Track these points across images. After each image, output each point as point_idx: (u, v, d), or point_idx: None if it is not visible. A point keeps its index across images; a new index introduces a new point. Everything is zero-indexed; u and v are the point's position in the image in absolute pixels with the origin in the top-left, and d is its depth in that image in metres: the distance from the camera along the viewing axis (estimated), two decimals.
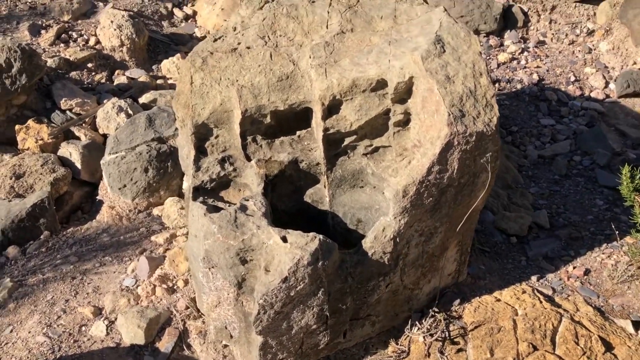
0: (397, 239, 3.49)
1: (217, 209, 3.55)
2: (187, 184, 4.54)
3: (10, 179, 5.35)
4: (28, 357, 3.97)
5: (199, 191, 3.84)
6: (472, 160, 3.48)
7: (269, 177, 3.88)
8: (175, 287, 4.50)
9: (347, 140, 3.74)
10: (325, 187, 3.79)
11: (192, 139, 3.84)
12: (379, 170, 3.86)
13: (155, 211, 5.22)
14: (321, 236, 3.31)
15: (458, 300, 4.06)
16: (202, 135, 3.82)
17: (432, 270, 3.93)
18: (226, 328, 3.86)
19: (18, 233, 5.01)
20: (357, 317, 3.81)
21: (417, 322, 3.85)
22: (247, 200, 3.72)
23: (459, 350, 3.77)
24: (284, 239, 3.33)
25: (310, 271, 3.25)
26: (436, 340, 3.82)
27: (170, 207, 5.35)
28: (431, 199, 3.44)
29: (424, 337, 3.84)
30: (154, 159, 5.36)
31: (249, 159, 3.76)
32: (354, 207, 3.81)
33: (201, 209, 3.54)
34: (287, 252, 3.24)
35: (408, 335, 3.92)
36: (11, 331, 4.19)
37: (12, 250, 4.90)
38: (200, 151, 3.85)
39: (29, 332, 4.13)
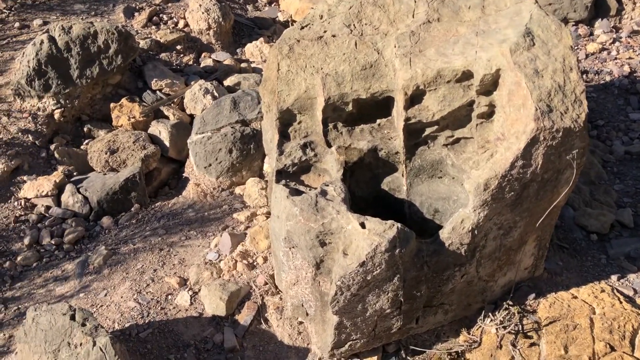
0: (476, 231, 3.48)
1: (298, 192, 3.66)
2: (269, 167, 4.67)
3: (105, 153, 5.71)
4: (120, 320, 4.27)
5: (281, 174, 3.91)
6: (557, 156, 3.43)
7: (348, 164, 3.91)
8: (255, 264, 4.65)
9: (427, 131, 3.78)
10: (403, 176, 3.83)
11: (277, 124, 3.96)
12: (459, 162, 3.84)
13: (238, 190, 5.43)
14: (399, 224, 3.36)
15: (533, 295, 4.02)
16: (286, 120, 3.96)
17: (508, 264, 3.90)
18: (302, 306, 3.96)
19: (112, 204, 5.34)
20: (431, 304, 3.84)
21: (490, 314, 3.86)
22: (327, 185, 3.76)
23: (532, 344, 3.76)
24: (363, 225, 3.38)
25: (387, 257, 3.31)
26: (509, 333, 3.82)
27: (251, 187, 5.51)
28: (512, 193, 3.41)
29: (496, 328, 3.84)
30: (237, 140, 5.53)
31: (329, 145, 3.84)
32: (432, 197, 3.82)
33: (284, 192, 3.66)
34: (365, 237, 3.30)
35: (480, 326, 3.94)
36: (105, 295, 4.51)
37: (106, 221, 5.24)
38: (284, 136, 3.97)
39: (121, 297, 4.43)
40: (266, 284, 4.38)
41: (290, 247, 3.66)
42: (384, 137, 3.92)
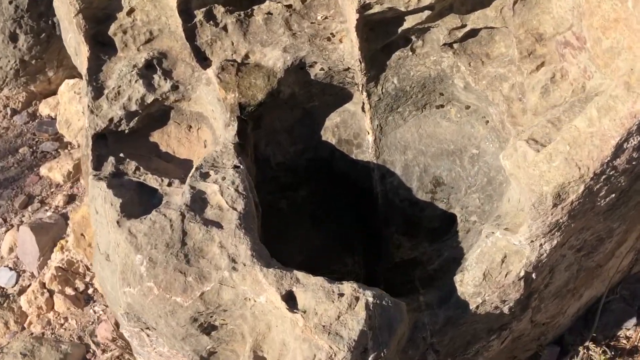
0: (534, 275, 2.51)
1: (143, 198, 2.79)
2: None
3: None
4: None
5: (104, 141, 3.03)
6: None
7: (248, 105, 2.93)
8: (89, 292, 3.84)
9: (410, 21, 2.87)
10: (364, 112, 3.05)
11: (80, 22, 3.06)
12: (478, 81, 2.88)
13: (44, 108, 4.70)
14: (370, 293, 2.43)
15: (634, 320, 3.35)
16: (98, 13, 3.10)
17: (587, 286, 2.95)
18: None
19: None
20: None
21: None
22: (205, 175, 2.77)
23: None
24: (289, 299, 2.43)
25: None
26: None
27: (69, 103, 4.58)
28: (612, 195, 2.48)
29: None
30: (24, 15, 4.43)
31: (203, 59, 3.03)
32: (426, 152, 3.11)
33: (110, 202, 2.71)
34: (299, 339, 2.37)
35: None
36: None
37: None
38: (102, 45, 3.14)
39: None
40: (115, 340, 3.56)
41: (143, 328, 2.70)
42: (317, 35, 3.05)
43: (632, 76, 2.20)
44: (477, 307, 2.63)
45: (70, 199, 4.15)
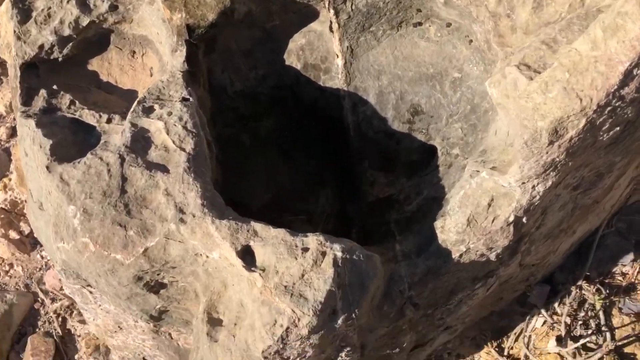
0: (525, 218, 2.18)
1: (78, 137, 2.47)
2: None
3: None
4: None
5: (35, 72, 2.70)
6: None
7: (199, 27, 2.59)
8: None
9: None
10: (333, 31, 2.73)
11: None
12: None
13: None
14: (338, 247, 2.14)
15: (631, 256, 3.09)
16: None
17: (581, 221, 2.72)
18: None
19: None
20: (423, 342, 2.86)
21: (542, 312, 3.07)
22: (149, 110, 2.44)
23: None
24: (246, 255, 2.15)
25: (317, 340, 2.05)
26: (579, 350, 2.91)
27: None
28: (617, 128, 2.19)
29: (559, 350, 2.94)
30: None
31: None
32: (403, 77, 2.81)
33: (39, 144, 2.40)
34: (257, 301, 2.08)
35: (527, 336, 3.06)
36: None
37: None
38: None
39: None
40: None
41: (84, 285, 2.51)
42: None
43: None
44: (461, 255, 2.36)
45: (14, 131, 3.79)
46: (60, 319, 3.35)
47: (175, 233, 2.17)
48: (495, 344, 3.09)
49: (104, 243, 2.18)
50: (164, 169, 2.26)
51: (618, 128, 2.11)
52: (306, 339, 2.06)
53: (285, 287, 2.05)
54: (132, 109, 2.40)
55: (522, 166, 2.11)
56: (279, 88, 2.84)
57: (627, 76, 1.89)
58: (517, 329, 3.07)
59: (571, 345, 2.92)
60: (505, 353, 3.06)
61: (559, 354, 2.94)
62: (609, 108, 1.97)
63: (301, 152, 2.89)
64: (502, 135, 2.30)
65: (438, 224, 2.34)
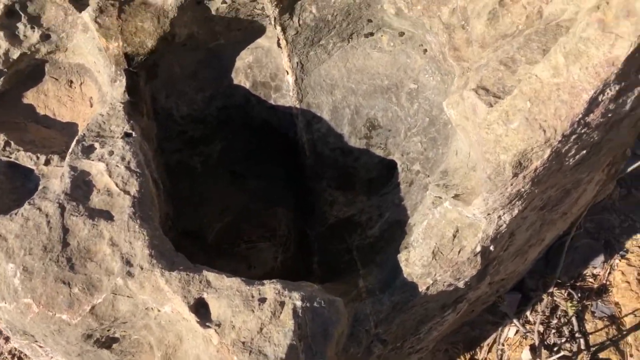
0: (492, 246, 2.02)
1: (15, 183, 2.31)
2: None
3: None
4: None
5: None
6: None
7: (138, 55, 2.40)
8: None
9: None
10: (281, 47, 2.57)
11: None
12: (413, 7, 2.36)
13: None
14: (297, 295, 2.00)
15: (601, 258, 3.03)
16: None
17: (551, 230, 2.52)
18: None
19: None
20: None
21: (514, 322, 2.94)
22: (89, 149, 2.26)
23: None
24: (200, 308, 1.97)
25: None
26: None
27: None
28: (583, 152, 1.97)
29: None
30: None
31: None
32: (357, 90, 2.65)
33: None
34: (213, 355, 1.74)
35: (499, 347, 2.94)
36: None
37: None
38: None
39: None
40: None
41: (31, 342, 2.24)
42: None
43: (607, 11, 1.69)
44: (428, 288, 2.20)
45: None
46: (15, 359, 3.17)
47: (123, 288, 2.00)
48: (468, 356, 2.98)
49: (47, 303, 2.01)
50: (108, 216, 2.08)
51: (584, 152, 1.97)
52: None
53: (244, 343, 1.90)
54: (70, 150, 2.21)
55: (486, 199, 1.96)
56: (228, 108, 2.67)
57: (592, 103, 1.75)
58: (490, 339, 2.96)
59: (545, 355, 2.81)
60: None
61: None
62: (574, 136, 1.83)
63: (255, 174, 2.73)
64: (463, 157, 2.16)
65: (402, 256, 2.19)
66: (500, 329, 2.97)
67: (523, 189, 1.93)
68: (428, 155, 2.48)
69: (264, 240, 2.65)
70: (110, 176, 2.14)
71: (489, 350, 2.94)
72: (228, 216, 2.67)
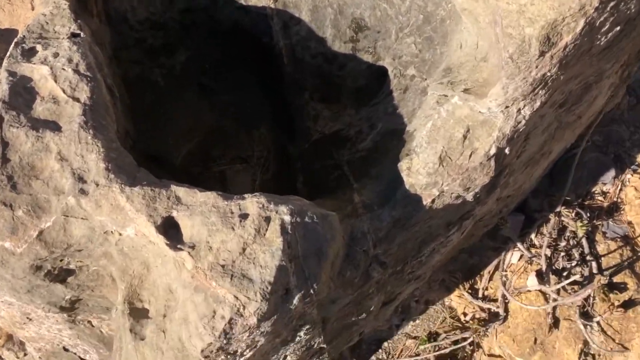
0: (508, 149, 1.77)
1: None
2: None
3: None
4: None
5: None
6: None
7: None
8: None
9: None
10: None
11: None
12: None
13: None
14: (285, 209, 1.73)
15: (612, 173, 2.79)
16: None
17: (560, 138, 2.30)
18: (67, 350, 2.54)
19: None
20: (391, 299, 2.50)
21: (518, 246, 2.72)
22: (30, 52, 1.97)
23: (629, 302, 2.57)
24: (169, 228, 1.70)
25: (270, 328, 1.59)
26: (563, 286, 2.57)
27: None
28: (617, 28, 1.75)
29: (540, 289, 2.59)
30: None
31: None
32: None
33: None
34: (189, 288, 1.68)
35: (503, 274, 2.70)
36: None
37: None
38: None
39: None
40: None
41: None
42: None
43: None
44: (433, 201, 1.94)
45: None
46: None
47: (75, 208, 1.72)
48: (467, 286, 2.74)
49: None
50: (55, 127, 1.80)
51: (618, 28, 1.69)
52: (255, 328, 1.64)
53: (223, 266, 1.62)
54: (8, 54, 1.92)
55: (505, 86, 1.68)
56: (192, 11, 2.38)
57: None
58: (491, 267, 2.73)
59: (554, 280, 2.57)
60: (480, 295, 2.72)
61: (541, 291, 2.59)
62: (612, 3, 1.54)
63: (226, 87, 2.44)
64: (469, 49, 1.88)
65: (403, 165, 1.91)
66: (502, 254, 2.73)
67: (549, 73, 1.66)
68: (424, 57, 2.19)
69: (239, 162, 2.38)
70: (55, 81, 1.85)
71: (490, 279, 2.70)
72: (197, 136, 2.40)
